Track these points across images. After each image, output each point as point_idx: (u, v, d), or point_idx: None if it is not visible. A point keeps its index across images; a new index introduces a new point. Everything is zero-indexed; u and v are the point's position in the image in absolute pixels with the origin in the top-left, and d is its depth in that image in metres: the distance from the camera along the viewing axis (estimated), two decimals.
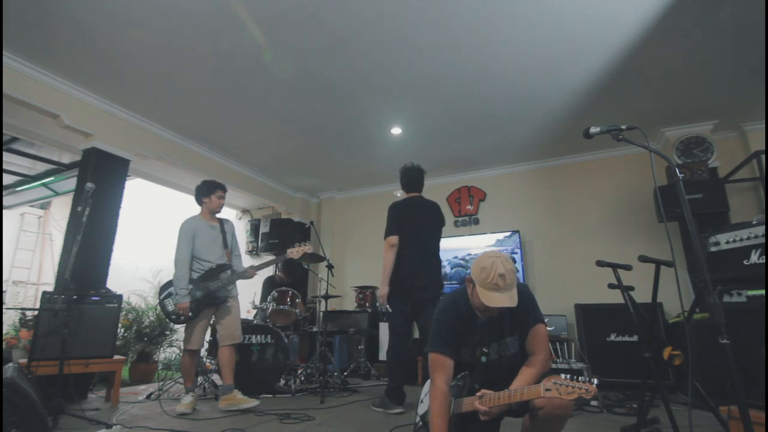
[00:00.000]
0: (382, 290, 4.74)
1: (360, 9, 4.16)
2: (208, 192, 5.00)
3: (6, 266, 10.79)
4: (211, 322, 4.90)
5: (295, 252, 5.01)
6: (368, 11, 4.19)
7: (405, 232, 4.78)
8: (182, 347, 4.68)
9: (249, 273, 4.89)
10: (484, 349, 2.52)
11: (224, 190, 5.13)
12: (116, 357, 4.92)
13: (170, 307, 4.70)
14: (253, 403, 4.48)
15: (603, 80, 5.27)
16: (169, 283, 4.81)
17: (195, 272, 4.84)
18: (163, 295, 4.82)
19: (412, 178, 5.12)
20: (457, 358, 2.51)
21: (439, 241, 5.04)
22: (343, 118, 6.32)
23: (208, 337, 6.31)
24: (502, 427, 2.59)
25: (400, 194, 5.23)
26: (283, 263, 6.38)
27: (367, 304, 7.43)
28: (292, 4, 4.08)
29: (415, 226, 4.83)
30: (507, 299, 2.31)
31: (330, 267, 6.09)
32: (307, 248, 5.04)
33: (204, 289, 4.71)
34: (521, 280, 7.03)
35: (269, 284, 7.06)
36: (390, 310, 4.74)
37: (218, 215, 5.15)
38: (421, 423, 2.69)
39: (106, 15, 4.26)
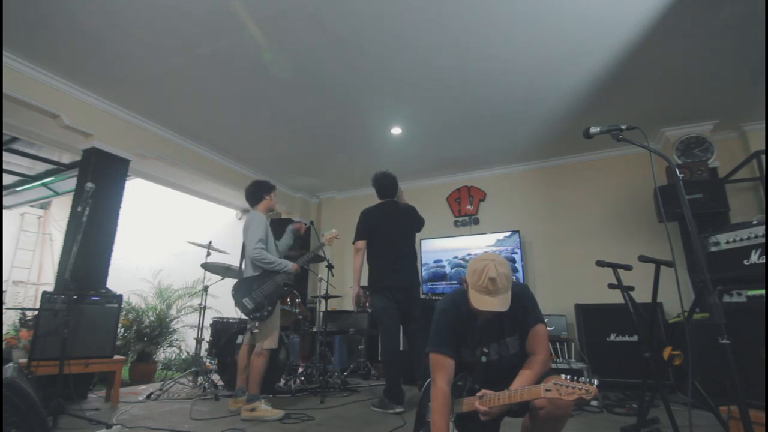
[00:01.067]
0: (354, 290, 5.00)
1: (360, 9, 4.16)
2: (269, 190, 5.06)
3: (6, 266, 10.80)
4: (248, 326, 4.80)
5: (327, 239, 5.10)
6: (368, 11, 4.19)
7: (376, 236, 5.01)
8: (260, 346, 4.48)
9: (295, 269, 4.81)
10: (485, 349, 2.52)
11: (274, 190, 5.20)
12: (116, 357, 4.92)
13: (250, 306, 4.52)
14: (278, 414, 4.28)
15: (603, 80, 5.28)
16: (241, 283, 4.65)
17: (256, 270, 4.73)
18: (238, 296, 4.59)
19: (384, 184, 5.26)
20: (457, 358, 2.51)
21: (413, 242, 5.22)
22: (343, 118, 6.33)
23: (208, 336, 6.33)
24: (502, 427, 2.59)
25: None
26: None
27: (367, 304, 7.43)
28: (292, 4, 4.08)
29: (388, 230, 5.03)
30: (497, 303, 2.29)
31: (330, 267, 6.09)
32: (334, 233, 5.14)
33: (272, 284, 4.63)
34: (521, 280, 7.05)
35: None
36: (368, 309, 4.85)
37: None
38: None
39: (105, 15, 4.25)
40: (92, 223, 5.10)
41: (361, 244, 5.00)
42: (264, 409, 4.28)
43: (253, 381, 4.43)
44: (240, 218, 10.43)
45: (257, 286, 4.59)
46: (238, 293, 4.60)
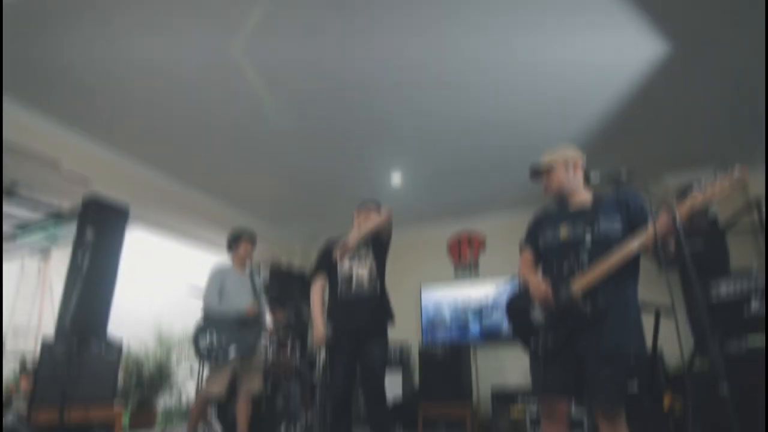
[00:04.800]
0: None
1: (360, 59, 4.27)
2: (232, 243, 5.17)
3: (6, 314, 10.74)
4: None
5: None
6: (368, 61, 4.30)
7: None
8: (196, 393, 4.71)
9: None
10: (569, 229, 2.75)
11: (246, 238, 5.21)
12: (117, 405, 4.89)
13: (203, 343, 4.63)
14: None
15: (603, 127, 5.36)
16: (206, 323, 4.77)
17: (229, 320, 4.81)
18: (197, 332, 4.73)
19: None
20: (536, 244, 2.99)
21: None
22: (342, 165, 6.42)
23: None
24: None
25: None
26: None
27: None
28: (291, 54, 4.20)
29: None
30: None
31: None
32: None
33: (238, 340, 4.69)
34: None
35: None
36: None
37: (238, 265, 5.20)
38: None
39: (104, 64, 4.34)
40: (92, 270, 5.08)
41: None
42: None
43: (242, 428, 4.76)
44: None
45: (218, 336, 4.69)
46: (196, 339, 4.74)
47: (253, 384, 4.87)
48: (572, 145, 3.03)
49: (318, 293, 4.24)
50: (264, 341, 5.13)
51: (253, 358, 4.89)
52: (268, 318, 5.12)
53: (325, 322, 4.05)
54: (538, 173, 2.99)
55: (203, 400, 4.70)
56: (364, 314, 4.03)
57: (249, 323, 4.81)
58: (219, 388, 4.61)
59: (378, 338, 4.16)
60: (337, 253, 4.17)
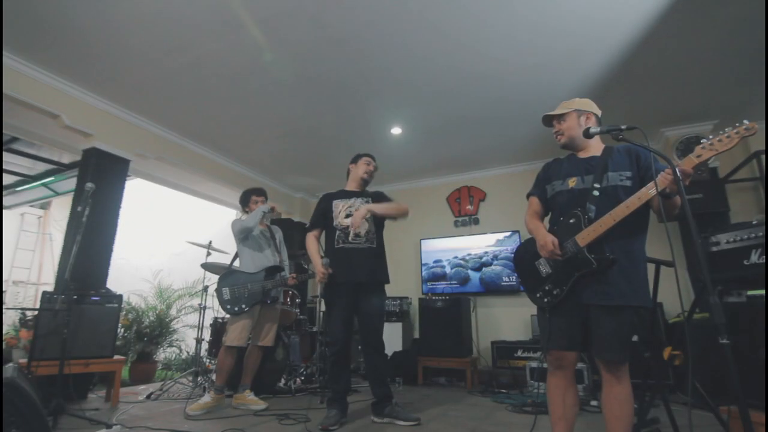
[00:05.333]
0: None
1: (359, 10, 4.17)
2: (247, 198, 5.38)
3: (6, 266, 10.79)
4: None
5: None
6: (367, 13, 4.21)
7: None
8: (223, 341, 4.77)
9: (290, 281, 4.94)
10: (578, 179, 2.76)
11: (260, 194, 5.42)
12: (116, 357, 4.92)
13: (226, 296, 4.77)
14: (261, 405, 4.61)
15: (603, 80, 5.28)
16: (229, 274, 4.93)
17: (251, 268, 4.98)
18: (220, 284, 4.89)
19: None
20: (544, 194, 2.97)
21: None
22: (342, 119, 6.33)
23: (208, 336, 6.32)
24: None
25: None
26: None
27: None
28: (292, 5, 4.09)
29: None
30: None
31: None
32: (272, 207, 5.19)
33: (259, 286, 4.83)
34: None
35: None
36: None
37: (272, 226, 5.50)
38: None
39: (104, 17, 4.27)
40: (92, 223, 5.07)
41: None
42: (250, 399, 4.70)
43: (245, 372, 4.89)
44: (240, 217, 10.41)
45: (243, 282, 4.81)
46: (221, 281, 4.89)
47: (268, 334, 4.97)
48: (590, 100, 2.97)
49: (313, 240, 4.40)
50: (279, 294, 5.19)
51: (271, 309, 5.03)
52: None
53: (321, 261, 4.11)
54: (551, 119, 2.96)
55: (227, 350, 4.72)
56: (362, 266, 4.13)
57: (271, 273, 4.92)
58: (241, 337, 4.72)
59: (376, 291, 4.25)
60: (337, 212, 4.29)
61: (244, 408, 4.60)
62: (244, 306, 4.72)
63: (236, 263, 5.24)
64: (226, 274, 4.95)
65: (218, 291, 4.85)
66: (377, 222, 4.37)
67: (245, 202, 5.38)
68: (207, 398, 4.52)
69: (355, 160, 4.64)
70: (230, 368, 4.74)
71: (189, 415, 4.28)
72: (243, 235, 5.03)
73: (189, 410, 4.34)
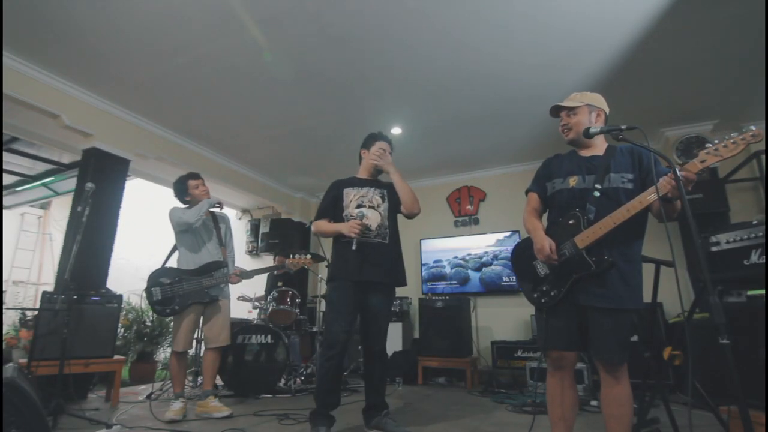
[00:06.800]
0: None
1: (359, 9, 4.17)
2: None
3: (6, 266, 10.78)
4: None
5: (292, 264, 4.77)
6: (368, 12, 4.21)
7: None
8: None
9: (232, 279, 4.64)
10: (579, 178, 2.74)
11: (197, 178, 5.01)
12: (116, 357, 4.93)
13: (157, 296, 4.33)
14: (225, 411, 4.24)
15: (603, 80, 5.29)
16: (157, 272, 4.50)
17: (190, 264, 4.60)
18: (149, 283, 4.42)
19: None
20: (543, 191, 2.98)
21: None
22: (342, 119, 6.34)
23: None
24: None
25: None
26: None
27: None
28: (292, 5, 4.09)
29: None
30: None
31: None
32: (306, 260, 4.79)
33: (196, 284, 4.45)
34: None
35: (274, 277, 7.13)
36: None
37: (218, 211, 4.99)
38: None
39: (105, 17, 4.27)
40: (92, 223, 5.07)
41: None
42: (212, 406, 4.29)
43: (204, 377, 4.55)
44: (240, 218, 10.42)
45: (177, 280, 4.44)
46: (151, 279, 4.44)
47: (221, 334, 4.58)
48: (601, 96, 2.94)
49: (322, 221, 3.95)
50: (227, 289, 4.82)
51: (214, 306, 4.60)
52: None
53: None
54: (559, 110, 2.97)
55: (174, 355, 4.43)
56: (374, 263, 3.74)
57: (210, 270, 4.56)
58: (187, 340, 4.44)
59: (386, 291, 3.91)
60: (348, 202, 3.91)
61: (207, 416, 4.22)
62: (176, 307, 4.34)
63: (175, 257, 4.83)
64: (157, 271, 4.51)
65: (147, 291, 4.38)
66: (390, 217, 4.01)
67: (183, 191, 4.93)
68: (179, 404, 4.23)
69: (367, 144, 4.20)
70: (183, 374, 4.47)
71: (173, 419, 4.05)
72: (181, 228, 4.67)
73: (168, 416, 4.09)
